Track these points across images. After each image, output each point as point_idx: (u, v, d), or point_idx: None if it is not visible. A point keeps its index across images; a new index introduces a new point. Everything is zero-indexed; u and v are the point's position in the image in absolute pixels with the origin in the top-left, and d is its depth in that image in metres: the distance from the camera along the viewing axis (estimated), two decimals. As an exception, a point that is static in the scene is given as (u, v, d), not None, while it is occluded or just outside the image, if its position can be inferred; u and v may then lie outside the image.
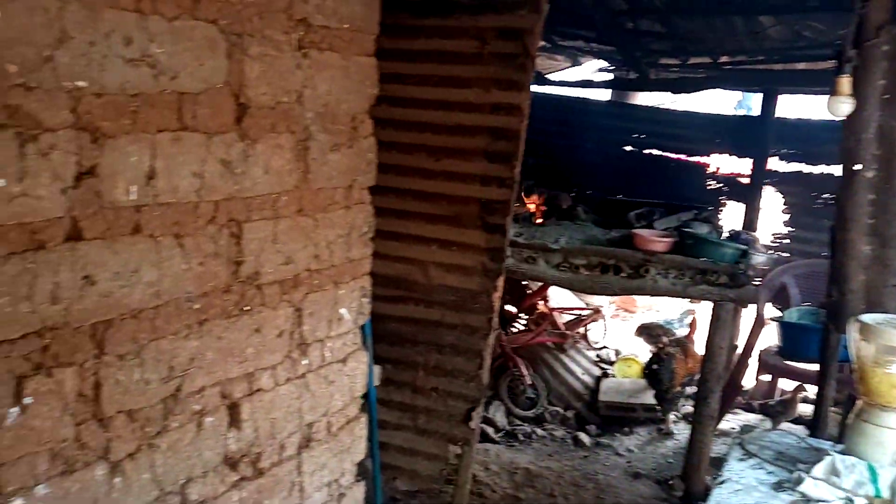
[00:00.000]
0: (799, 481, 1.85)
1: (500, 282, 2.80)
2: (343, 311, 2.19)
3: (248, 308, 1.81)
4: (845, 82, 2.45)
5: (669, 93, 5.44)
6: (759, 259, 4.35)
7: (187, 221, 1.60)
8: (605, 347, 5.42)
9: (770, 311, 4.63)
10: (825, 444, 2.13)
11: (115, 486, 1.54)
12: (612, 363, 5.20)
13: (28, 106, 1.27)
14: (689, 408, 4.77)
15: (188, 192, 1.59)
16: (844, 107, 2.48)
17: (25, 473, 1.37)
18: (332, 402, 2.19)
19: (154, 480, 1.63)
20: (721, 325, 3.79)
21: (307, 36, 1.87)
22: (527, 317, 4.97)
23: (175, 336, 1.62)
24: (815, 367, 3.97)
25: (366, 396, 2.44)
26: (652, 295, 3.94)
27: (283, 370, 1.97)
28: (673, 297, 4.02)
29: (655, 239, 3.79)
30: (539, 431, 4.47)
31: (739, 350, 4.52)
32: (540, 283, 4.83)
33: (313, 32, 1.89)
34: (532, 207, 4.20)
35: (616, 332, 5.84)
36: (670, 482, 3.82)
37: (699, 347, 4.71)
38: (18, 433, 1.34)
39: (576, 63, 5.97)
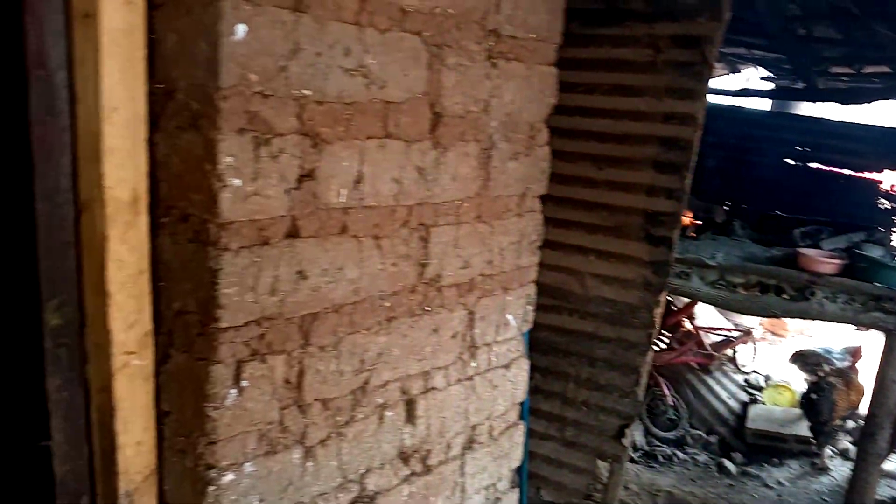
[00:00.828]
0: None
1: (663, 297, 2.72)
2: (510, 317, 2.20)
3: (429, 309, 1.87)
4: None
5: (838, 104, 5.07)
6: (939, 288, 3.96)
7: (385, 224, 1.67)
8: (753, 372, 5.14)
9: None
10: None
11: (307, 469, 1.64)
12: (760, 389, 4.92)
13: (264, 112, 1.38)
14: (846, 443, 4.44)
15: (388, 197, 1.66)
16: None
17: (237, 451, 1.49)
18: (495, 406, 2.22)
19: (339, 468, 1.72)
20: (895, 356, 3.50)
21: (497, 46, 1.90)
22: (670, 334, 4.80)
23: (367, 331, 1.70)
24: None
25: (521, 404, 2.45)
26: (817, 320, 3.69)
27: (454, 371, 2.01)
28: (841, 323, 3.74)
29: (824, 260, 3.56)
30: (680, 454, 4.31)
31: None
32: (686, 300, 4.66)
33: (502, 43, 1.92)
34: (686, 220, 4.06)
35: (765, 357, 5.52)
36: (828, 521, 3.57)
37: (864, 379, 4.37)
38: (235, 413, 1.46)
39: (734, 71, 5.70)
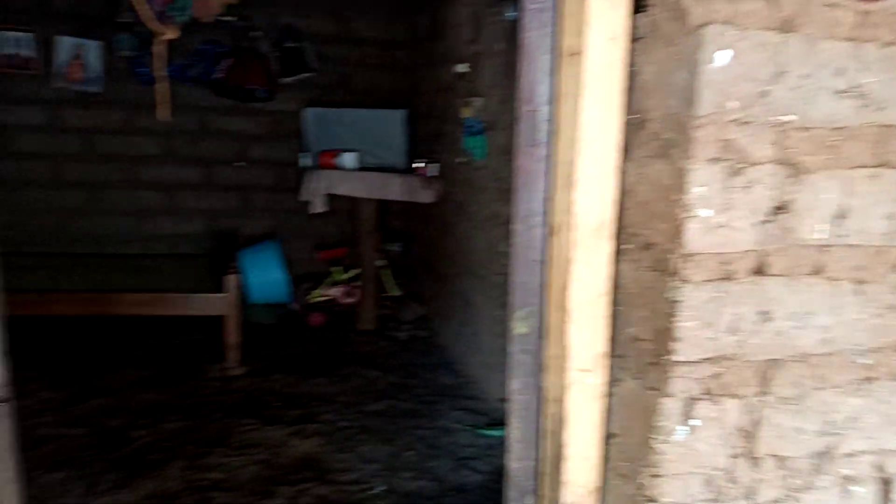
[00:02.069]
0: None
1: None
2: None
3: (921, 374, 1.54)
4: None
5: None
6: None
7: (871, 267, 1.44)
8: None
9: None
10: None
11: (753, 528, 1.50)
12: None
13: (740, 140, 1.31)
14: None
15: (876, 235, 1.43)
16: None
17: (681, 490, 1.44)
18: None
19: (793, 537, 1.53)
20: None
21: None
22: None
23: (837, 389, 1.48)
24: None
25: None
26: None
27: (948, 455, 1.62)
28: None
29: None
30: None
31: None
32: None
33: None
34: None
35: None
36: None
37: None
38: (682, 451, 1.41)
39: None
